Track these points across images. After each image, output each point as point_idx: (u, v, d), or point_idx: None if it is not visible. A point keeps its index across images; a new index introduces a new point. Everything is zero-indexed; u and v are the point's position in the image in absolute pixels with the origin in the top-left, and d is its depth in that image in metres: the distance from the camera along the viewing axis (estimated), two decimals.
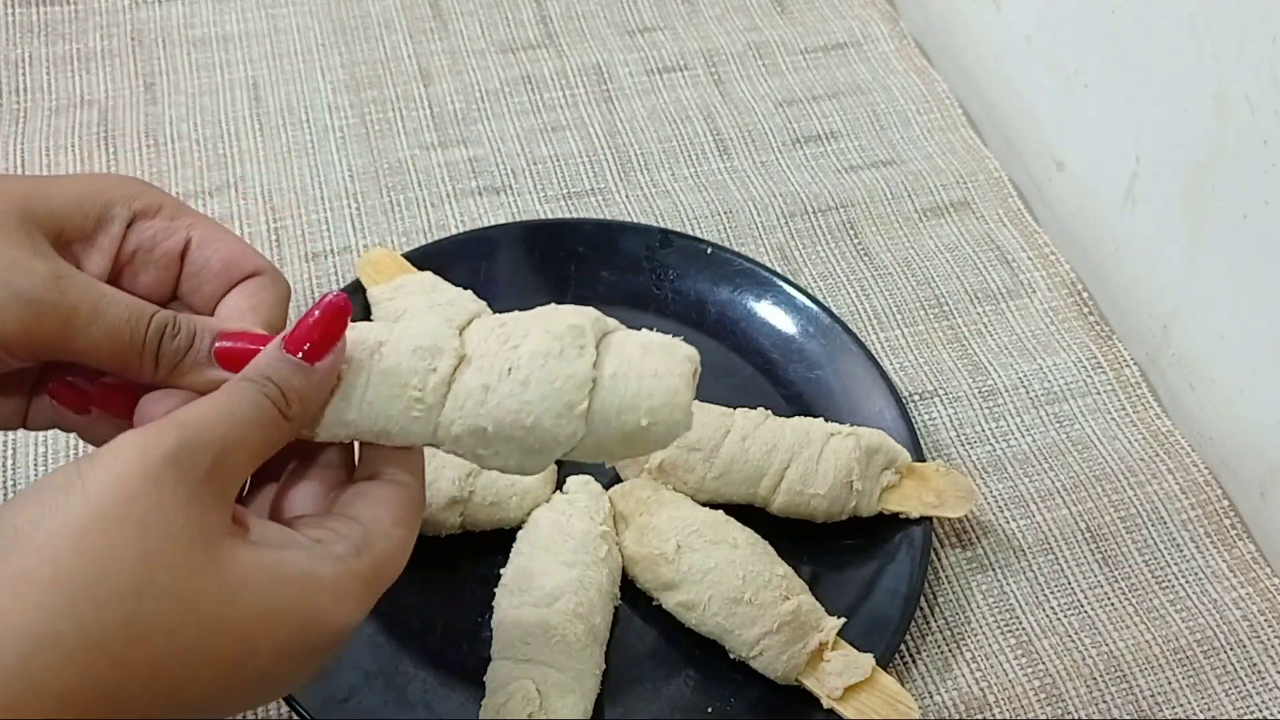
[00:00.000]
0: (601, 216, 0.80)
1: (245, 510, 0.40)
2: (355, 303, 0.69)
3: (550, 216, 0.79)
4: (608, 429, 0.43)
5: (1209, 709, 0.61)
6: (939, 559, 0.66)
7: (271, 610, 0.37)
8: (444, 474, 0.59)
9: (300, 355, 0.41)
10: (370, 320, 0.67)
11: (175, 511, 0.36)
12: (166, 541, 0.35)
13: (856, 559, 0.63)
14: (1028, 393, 0.73)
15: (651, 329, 0.45)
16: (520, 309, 0.63)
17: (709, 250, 0.74)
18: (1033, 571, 0.66)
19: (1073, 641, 0.63)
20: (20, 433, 0.65)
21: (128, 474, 0.35)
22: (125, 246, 0.45)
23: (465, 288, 0.69)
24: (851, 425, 0.65)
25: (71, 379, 0.44)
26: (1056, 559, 0.66)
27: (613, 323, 0.44)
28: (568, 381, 0.42)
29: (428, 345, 0.42)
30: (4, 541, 0.34)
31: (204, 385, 0.42)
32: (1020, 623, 0.64)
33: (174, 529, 0.35)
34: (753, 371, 0.71)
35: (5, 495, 0.64)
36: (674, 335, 0.44)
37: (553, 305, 0.45)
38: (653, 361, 0.43)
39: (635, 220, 0.79)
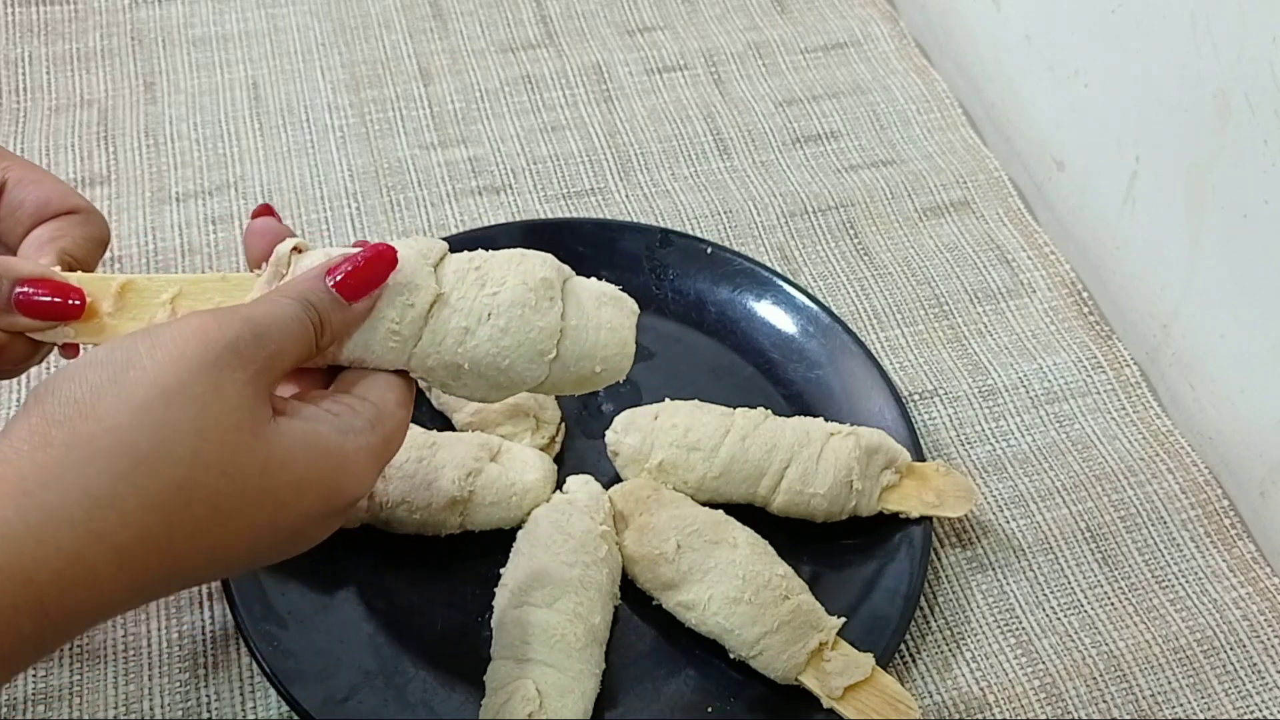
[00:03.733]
0: (601, 216, 0.80)
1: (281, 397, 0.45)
2: None
3: (550, 216, 0.79)
4: (566, 372, 0.48)
5: (1209, 709, 0.61)
6: (939, 559, 0.66)
7: (304, 479, 0.42)
8: (444, 474, 0.59)
9: (339, 290, 0.45)
10: None
11: (230, 394, 0.40)
12: (220, 420, 0.40)
13: (856, 559, 0.63)
14: (1028, 392, 0.73)
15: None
16: None
17: (709, 250, 0.74)
18: (1033, 571, 0.66)
19: (1073, 641, 0.63)
20: None
21: (190, 356, 0.40)
22: None
23: None
24: (851, 425, 0.65)
25: None
26: (1056, 559, 0.66)
27: (567, 269, 0.50)
28: (541, 333, 0.47)
29: (405, 282, 0.46)
30: (65, 409, 0.38)
31: (7, 328, 0.45)
32: (1020, 622, 0.64)
33: (227, 409, 0.40)
34: (753, 371, 0.71)
35: None
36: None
37: (520, 251, 0.49)
38: (607, 314, 0.49)
39: (635, 220, 0.79)
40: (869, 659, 0.57)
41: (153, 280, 0.47)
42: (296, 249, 0.47)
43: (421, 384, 0.66)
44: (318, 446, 0.43)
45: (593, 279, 0.51)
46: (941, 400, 0.73)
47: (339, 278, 0.45)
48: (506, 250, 0.49)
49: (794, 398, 0.69)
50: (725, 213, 0.81)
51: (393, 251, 0.46)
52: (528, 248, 0.72)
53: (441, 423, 0.66)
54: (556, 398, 0.67)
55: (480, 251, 0.49)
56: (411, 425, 0.61)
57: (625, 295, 0.50)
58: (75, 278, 0.47)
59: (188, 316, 0.42)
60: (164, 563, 0.39)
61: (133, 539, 0.38)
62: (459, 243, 0.72)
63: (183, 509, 0.39)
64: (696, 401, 0.65)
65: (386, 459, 0.46)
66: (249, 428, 0.41)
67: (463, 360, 0.47)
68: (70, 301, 0.45)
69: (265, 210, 0.50)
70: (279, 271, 0.47)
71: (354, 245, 0.47)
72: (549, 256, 0.49)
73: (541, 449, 0.64)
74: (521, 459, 0.62)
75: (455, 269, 0.48)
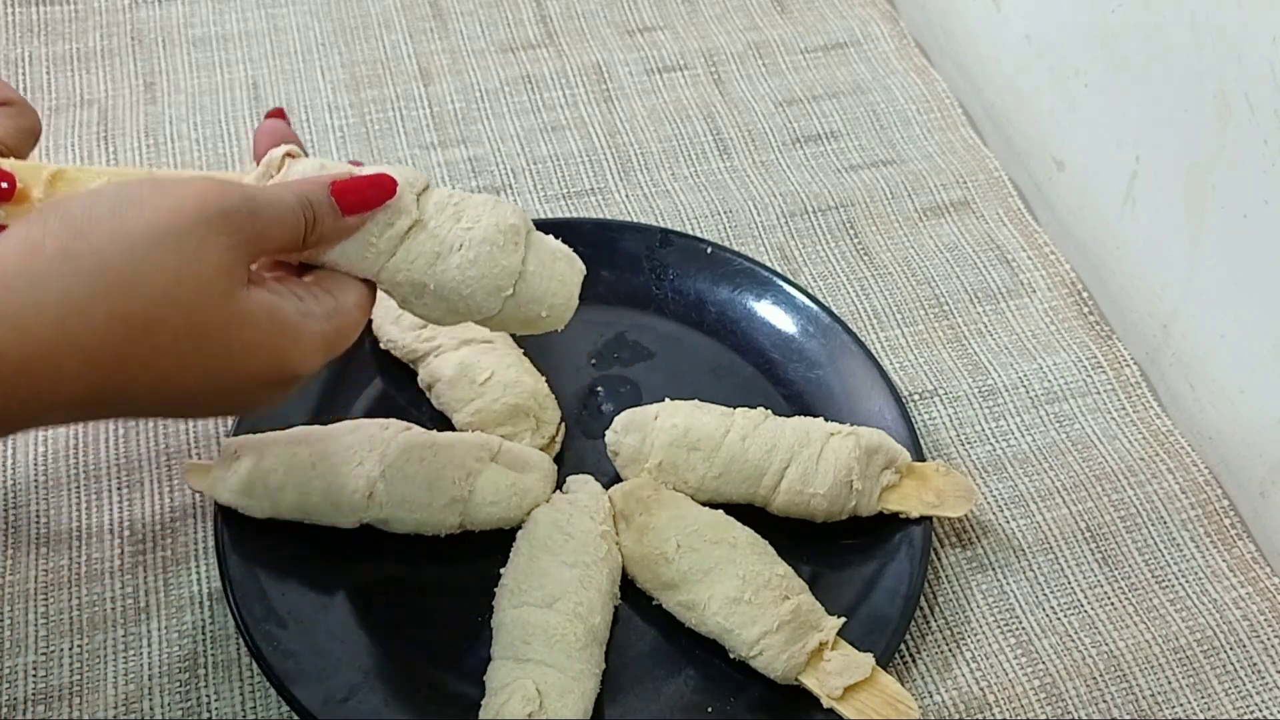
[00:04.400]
0: (601, 216, 0.80)
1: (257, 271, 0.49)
2: None
3: (550, 216, 0.79)
4: (516, 311, 0.53)
5: (1209, 709, 0.61)
6: (939, 559, 0.66)
7: (258, 343, 0.46)
8: (444, 474, 0.59)
9: (338, 199, 0.49)
10: (371, 318, 0.68)
11: (212, 251, 0.44)
12: (199, 271, 0.44)
13: (856, 559, 0.63)
14: (1028, 392, 0.73)
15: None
16: None
17: (709, 250, 0.74)
18: (1033, 571, 0.66)
19: (1073, 641, 0.63)
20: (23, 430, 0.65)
21: (187, 210, 0.44)
22: None
23: None
24: (851, 425, 0.65)
25: None
26: (1056, 559, 0.66)
27: (530, 222, 0.55)
28: (504, 270, 0.52)
29: (391, 205, 0.50)
30: (62, 227, 0.43)
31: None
32: (1020, 622, 0.64)
33: (207, 263, 0.44)
34: (753, 371, 0.71)
35: (4, 495, 0.64)
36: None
37: (497, 198, 0.54)
38: (560, 267, 0.54)
39: (635, 220, 0.79)
40: (869, 659, 0.57)
41: (83, 171, 0.50)
42: (289, 154, 0.51)
43: (422, 385, 0.66)
44: (277, 318, 0.47)
45: (550, 236, 0.56)
46: (941, 400, 0.73)
47: (341, 190, 0.50)
48: (483, 194, 0.54)
49: (794, 398, 0.69)
50: (725, 213, 0.81)
51: (394, 184, 0.51)
52: None
53: (442, 423, 0.66)
54: (557, 399, 0.67)
55: (459, 190, 0.54)
56: (411, 426, 0.62)
57: (576, 257, 0.56)
58: (7, 164, 0.50)
59: (195, 177, 0.47)
60: (118, 376, 0.43)
61: (96, 346, 0.42)
62: None
63: (145, 334, 0.43)
64: (696, 401, 0.65)
65: (335, 351, 0.50)
66: (222, 284, 0.45)
67: (429, 281, 0.51)
68: (0, 185, 0.49)
69: (278, 113, 0.56)
70: (269, 173, 0.51)
71: (350, 163, 0.52)
72: (518, 207, 0.54)
73: (541, 449, 0.64)
74: (522, 459, 0.62)
75: (436, 200, 0.52)
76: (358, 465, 0.59)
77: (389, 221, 0.50)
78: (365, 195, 0.50)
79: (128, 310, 0.43)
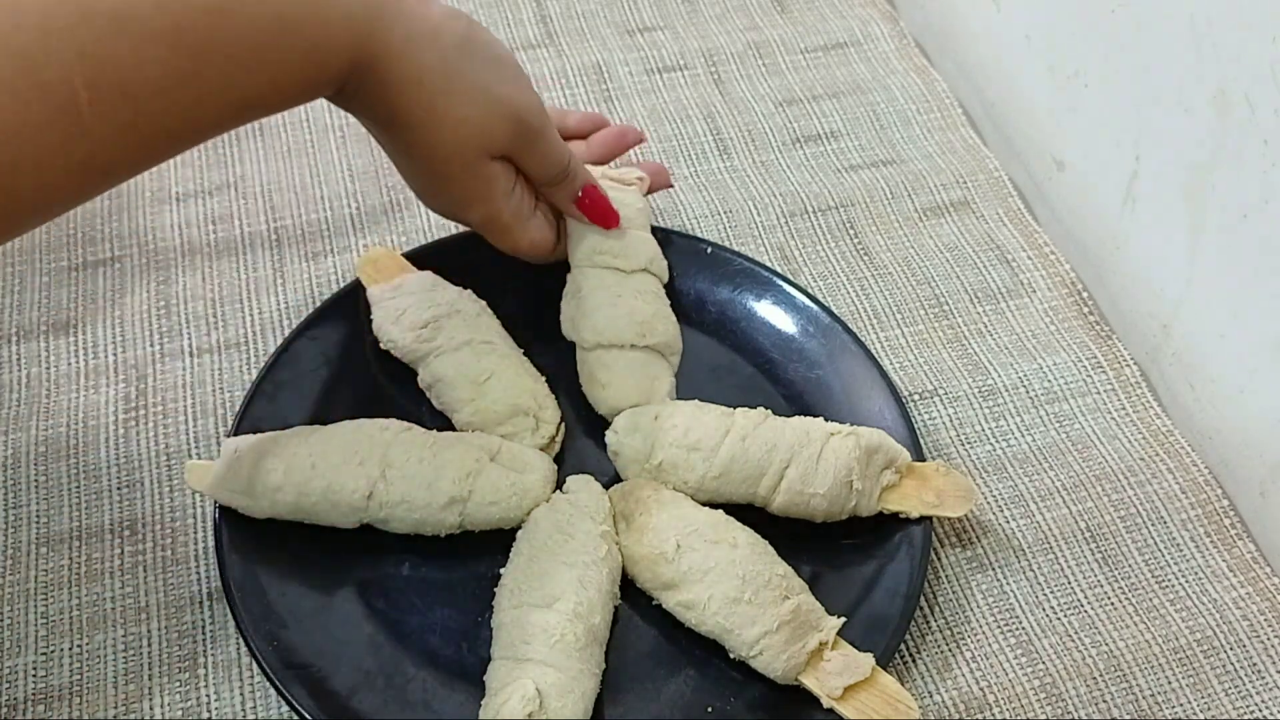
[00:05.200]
0: None
1: None
2: (357, 300, 0.69)
3: None
4: None
5: (1209, 709, 0.61)
6: (939, 559, 0.66)
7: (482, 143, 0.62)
8: (444, 474, 0.59)
9: (583, 198, 0.67)
10: (370, 318, 0.68)
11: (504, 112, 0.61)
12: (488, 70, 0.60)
13: (856, 559, 0.63)
14: (1028, 392, 0.73)
15: None
16: (519, 309, 0.66)
17: (709, 250, 0.74)
18: (1033, 571, 0.66)
19: (1073, 641, 0.63)
20: (23, 431, 0.65)
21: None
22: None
23: (465, 288, 0.69)
24: (851, 425, 0.65)
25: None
26: (1056, 559, 0.66)
27: None
28: None
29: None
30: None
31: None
32: (1020, 622, 0.64)
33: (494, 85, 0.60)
34: (753, 371, 0.71)
35: (6, 496, 0.64)
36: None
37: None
38: None
39: None
40: (869, 659, 0.57)
41: None
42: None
43: (422, 385, 0.66)
44: (498, 172, 0.63)
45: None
46: (941, 400, 0.73)
47: (591, 193, 0.67)
48: None
49: (794, 398, 0.69)
50: (725, 213, 0.81)
51: (615, 216, 0.68)
52: None
53: (442, 422, 0.66)
54: (557, 399, 0.67)
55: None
56: (412, 426, 0.62)
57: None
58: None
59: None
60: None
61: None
62: (459, 242, 0.73)
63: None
64: (696, 401, 0.65)
65: (496, 223, 0.65)
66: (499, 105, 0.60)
67: None
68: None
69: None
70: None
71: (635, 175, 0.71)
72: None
73: (541, 449, 0.64)
74: (522, 459, 0.62)
75: None
76: (358, 465, 0.59)
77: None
78: (603, 209, 0.68)
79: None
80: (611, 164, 0.73)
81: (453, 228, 0.78)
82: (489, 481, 0.60)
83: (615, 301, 0.67)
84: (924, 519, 0.63)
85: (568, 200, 0.67)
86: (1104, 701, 0.61)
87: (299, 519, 0.60)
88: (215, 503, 0.60)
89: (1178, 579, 0.66)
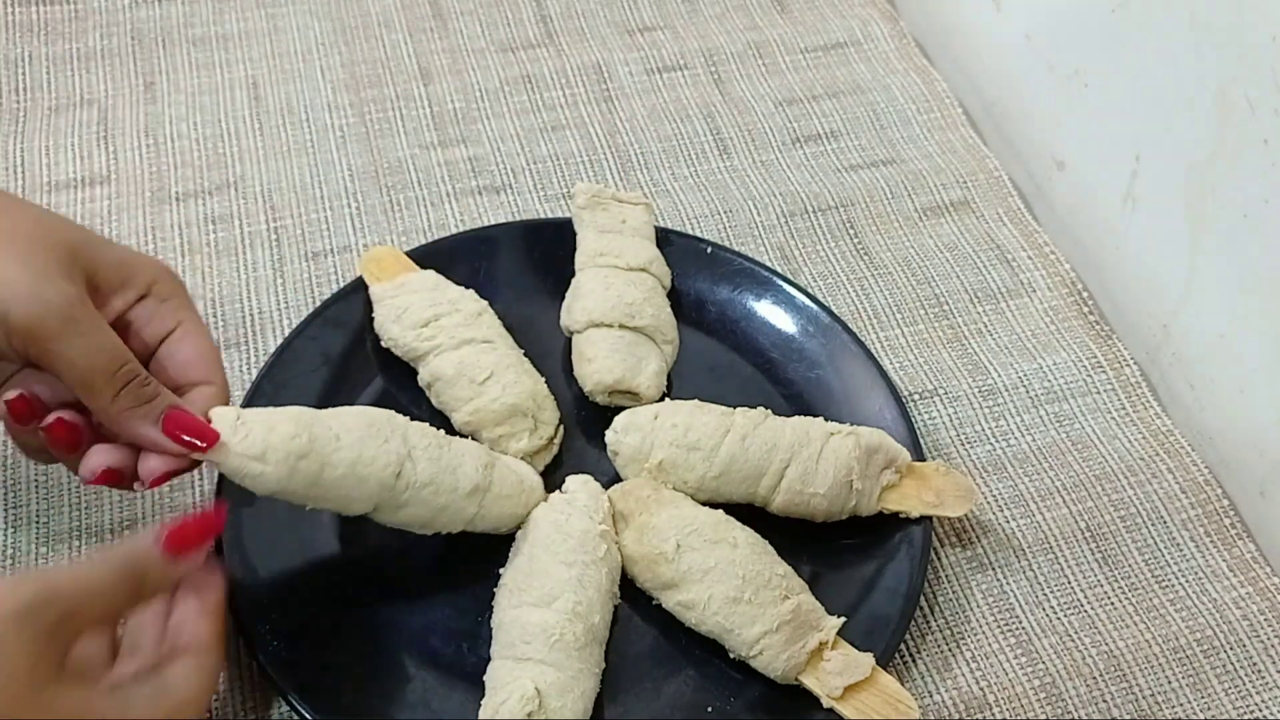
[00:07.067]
0: None
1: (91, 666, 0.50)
2: (357, 299, 0.69)
3: (550, 216, 0.79)
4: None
5: (1209, 709, 0.61)
6: (939, 558, 0.66)
7: None
8: (465, 460, 0.59)
9: (167, 550, 0.50)
10: (372, 317, 0.68)
11: (15, 650, 0.43)
12: (2, 671, 0.43)
13: (856, 559, 0.63)
14: (1028, 392, 0.73)
15: None
16: (521, 308, 0.67)
17: (709, 249, 0.74)
18: (1033, 571, 0.66)
19: (1073, 641, 0.63)
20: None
21: None
22: (130, 312, 0.55)
23: (467, 287, 0.69)
24: (851, 425, 0.65)
25: (32, 394, 0.52)
26: (1056, 559, 0.66)
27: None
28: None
29: None
30: None
31: (141, 439, 0.52)
32: (1020, 622, 0.64)
33: (11, 664, 0.43)
34: (753, 371, 0.71)
35: (6, 496, 0.64)
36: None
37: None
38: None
39: None
40: (869, 659, 0.57)
41: None
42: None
43: (422, 383, 0.66)
44: (89, 710, 0.46)
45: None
46: (941, 400, 0.73)
47: (172, 540, 0.50)
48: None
49: (794, 398, 0.69)
50: (725, 213, 0.81)
51: (221, 517, 0.53)
52: (528, 247, 0.73)
53: (441, 422, 0.65)
54: (556, 399, 0.67)
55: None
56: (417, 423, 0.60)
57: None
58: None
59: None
60: None
61: None
62: (459, 242, 0.73)
63: None
64: (696, 401, 0.65)
65: None
66: (28, 682, 0.44)
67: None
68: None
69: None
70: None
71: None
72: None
73: (541, 449, 0.64)
74: (515, 468, 0.62)
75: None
76: (384, 442, 0.56)
77: None
78: (195, 538, 0.51)
79: None
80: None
81: (452, 227, 0.78)
82: (502, 473, 0.60)
83: (608, 287, 0.68)
84: (924, 519, 0.63)
85: (167, 571, 0.51)
86: (1104, 701, 0.61)
87: (305, 500, 0.55)
88: (215, 504, 0.59)
89: (1178, 579, 0.66)
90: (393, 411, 0.59)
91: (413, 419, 0.61)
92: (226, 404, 0.55)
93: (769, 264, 0.76)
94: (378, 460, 0.55)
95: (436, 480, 0.57)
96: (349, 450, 0.55)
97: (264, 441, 0.53)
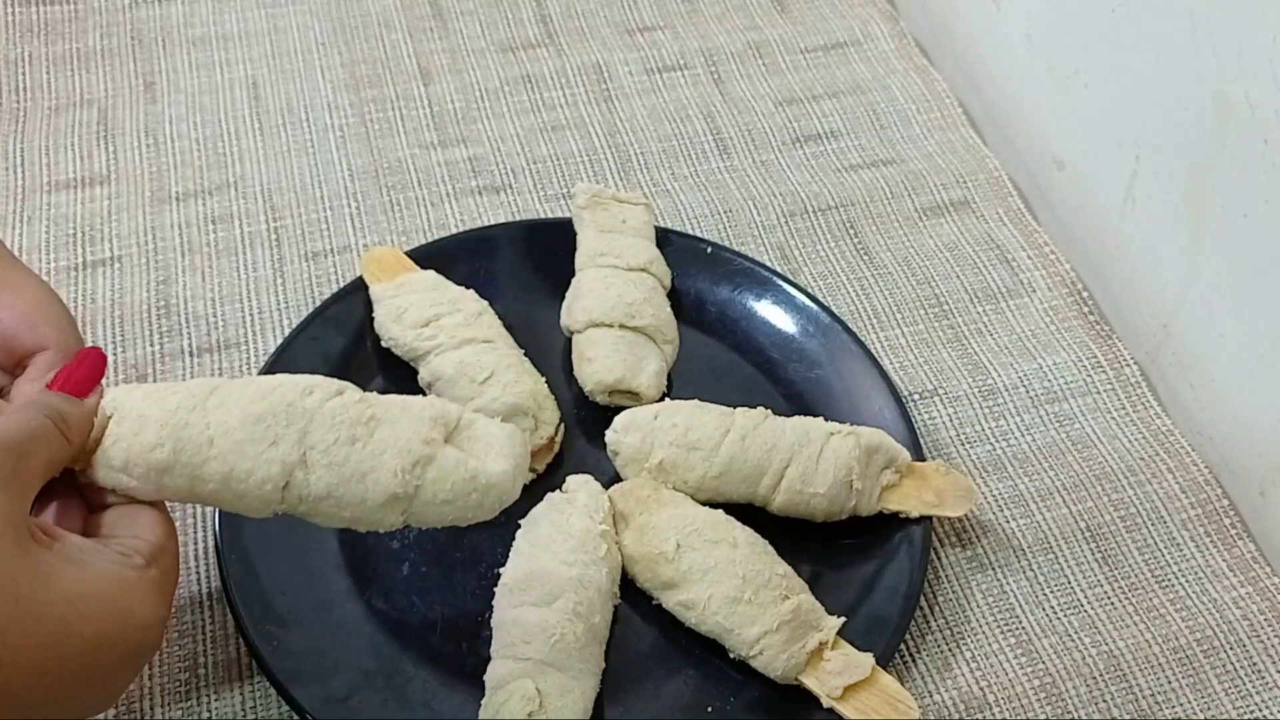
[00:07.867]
0: None
1: (49, 524, 0.45)
2: (357, 299, 0.69)
3: (550, 216, 0.79)
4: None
5: (1209, 709, 0.61)
6: (939, 558, 0.66)
7: (84, 594, 0.41)
8: (383, 462, 0.49)
9: (66, 390, 0.48)
10: (372, 317, 0.68)
11: None
12: None
13: (856, 558, 0.63)
14: (1028, 392, 0.73)
15: None
16: (521, 308, 0.67)
17: (709, 249, 0.74)
18: (1033, 571, 0.66)
19: (1073, 641, 0.63)
20: None
21: None
22: None
23: (467, 286, 0.69)
24: (851, 424, 0.65)
25: None
26: (1056, 558, 0.66)
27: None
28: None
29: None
30: None
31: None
32: (1020, 622, 0.64)
33: None
34: (753, 371, 0.71)
35: None
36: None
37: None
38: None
39: None
40: (869, 659, 0.57)
41: None
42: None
43: (422, 383, 0.66)
44: (93, 566, 0.42)
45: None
46: (941, 400, 0.73)
47: (57, 379, 0.48)
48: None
49: (794, 398, 0.69)
50: (725, 212, 0.81)
51: (102, 357, 0.50)
52: (528, 247, 0.74)
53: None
54: (556, 399, 0.67)
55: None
56: (345, 388, 0.51)
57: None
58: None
59: None
60: None
61: None
62: (459, 242, 0.73)
63: None
64: (696, 401, 0.65)
65: (171, 589, 0.47)
66: (10, 536, 0.40)
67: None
68: None
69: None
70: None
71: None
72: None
73: (541, 449, 0.64)
74: (485, 441, 0.51)
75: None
76: (269, 445, 0.47)
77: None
78: (83, 376, 0.49)
79: None
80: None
81: (452, 227, 0.78)
82: (442, 472, 0.49)
83: (608, 286, 0.68)
84: (924, 519, 0.63)
85: (82, 411, 0.48)
86: (1104, 701, 0.61)
87: (206, 504, 0.51)
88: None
89: (1178, 579, 0.66)
90: (311, 383, 0.50)
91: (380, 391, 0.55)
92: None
93: (769, 264, 0.76)
94: (254, 474, 0.48)
95: (336, 492, 0.48)
96: (219, 463, 0.48)
97: (126, 451, 0.48)
